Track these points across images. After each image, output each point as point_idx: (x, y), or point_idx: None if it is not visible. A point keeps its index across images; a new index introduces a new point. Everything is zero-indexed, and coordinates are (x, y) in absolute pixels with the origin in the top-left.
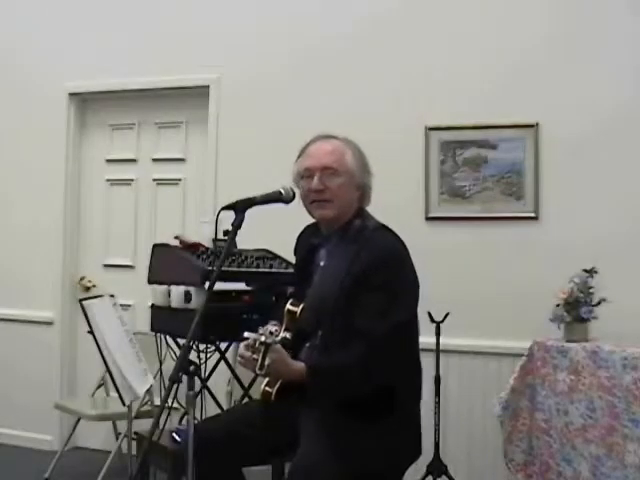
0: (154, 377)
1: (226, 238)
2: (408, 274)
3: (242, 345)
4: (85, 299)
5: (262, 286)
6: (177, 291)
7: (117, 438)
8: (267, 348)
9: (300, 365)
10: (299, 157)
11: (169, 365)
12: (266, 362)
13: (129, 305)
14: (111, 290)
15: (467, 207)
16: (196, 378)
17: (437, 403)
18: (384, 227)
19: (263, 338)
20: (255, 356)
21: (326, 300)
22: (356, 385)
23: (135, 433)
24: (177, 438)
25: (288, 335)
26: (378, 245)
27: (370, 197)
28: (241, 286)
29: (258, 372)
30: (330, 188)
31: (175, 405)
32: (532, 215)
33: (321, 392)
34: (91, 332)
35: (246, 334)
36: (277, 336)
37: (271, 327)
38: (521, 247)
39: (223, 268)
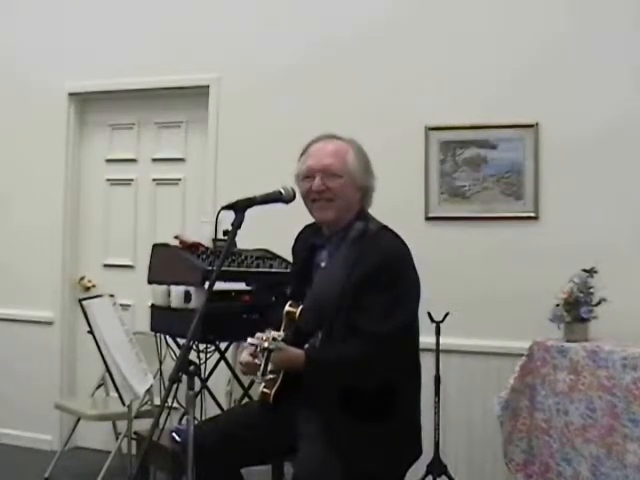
0: (154, 377)
1: (226, 238)
2: (411, 275)
3: (245, 352)
4: (85, 299)
5: (262, 286)
6: (177, 291)
7: (117, 438)
8: (269, 354)
9: (300, 352)
10: (301, 156)
11: (169, 365)
12: (269, 368)
13: (129, 305)
14: (111, 290)
15: (467, 207)
16: (196, 378)
17: (437, 403)
18: (386, 228)
19: (266, 344)
20: (257, 361)
21: (327, 302)
22: (354, 378)
23: (135, 433)
24: (177, 438)
25: (286, 336)
26: (381, 247)
27: (372, 198)
28: (241, 286)
29: (260, 378)
30: (331, 188)
31: (175, 405)
32: (532, 215)
33: (318, 380)
34: (91, 332)
35: (249, 340)
36: (279, 342)
37: (274, 333)
38: (521, 247)
39: (223, 268)
